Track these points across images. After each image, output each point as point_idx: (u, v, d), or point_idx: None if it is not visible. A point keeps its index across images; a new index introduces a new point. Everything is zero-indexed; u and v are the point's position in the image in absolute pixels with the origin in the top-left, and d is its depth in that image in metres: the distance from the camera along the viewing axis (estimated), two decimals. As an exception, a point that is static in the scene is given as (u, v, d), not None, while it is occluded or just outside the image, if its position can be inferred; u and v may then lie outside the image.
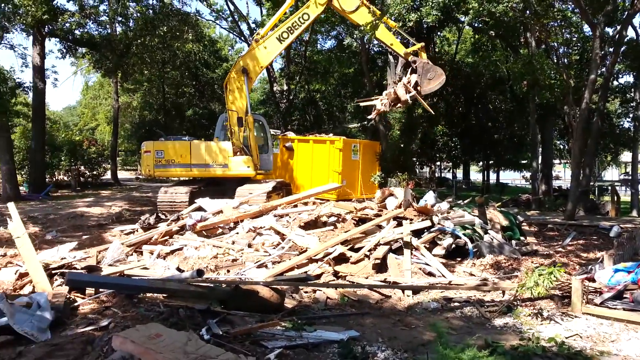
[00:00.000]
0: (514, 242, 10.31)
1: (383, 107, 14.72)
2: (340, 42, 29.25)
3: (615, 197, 18.11)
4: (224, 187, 14.02)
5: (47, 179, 22.28)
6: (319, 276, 7.87)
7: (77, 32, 21.69)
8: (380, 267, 8.13)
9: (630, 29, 18.33)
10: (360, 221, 9.92)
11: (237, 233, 9.82)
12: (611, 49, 18.34)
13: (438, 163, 38.93)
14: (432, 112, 17.76)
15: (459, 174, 41.10)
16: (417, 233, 9.23)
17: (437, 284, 7.53)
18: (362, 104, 17.57)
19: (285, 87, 29.67)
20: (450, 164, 38.04)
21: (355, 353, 4.46)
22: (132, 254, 9.16)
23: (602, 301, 6.13)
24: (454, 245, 9.06)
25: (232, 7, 28.77)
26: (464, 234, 9.28)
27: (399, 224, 9.48)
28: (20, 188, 19.76)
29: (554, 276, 6.10)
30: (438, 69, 14.07)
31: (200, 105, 36.88)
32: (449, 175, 41.65)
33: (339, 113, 35.88)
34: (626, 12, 17.13)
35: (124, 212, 15.27)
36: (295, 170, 17.98)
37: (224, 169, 14.09)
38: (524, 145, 30.14)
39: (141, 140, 20.93)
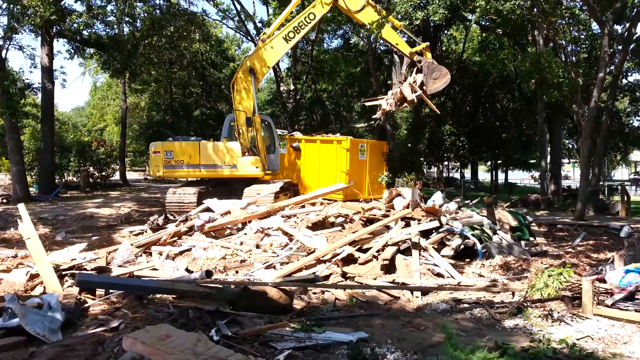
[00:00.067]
0: (523, 242, 10.26)
1: (389, 107, 14.73)
2: (346, 41, 29.27)
3: (626, 197, 17.95)
4: (232, 187, 14.05)
5: (56, 180, 22.41)
6: (327, 277, 7.87)
7: (85, 32, 21.82)
8: (389, 268, 8.11)
9: (639, 26, 18.16)
10: (368, 222, 9.90)
11: (245, 234, 9.84)
12: (620, 47, 18.20)
13: (446, 163, 38.79)
14: (438, 112, 17.75)
15: (467, 173, 40.94)
16: (425, 234, 9.19)
17: (446, 285, 7.51)
18: (367, 104, 17.56)
19: (292, 87, 29.69)
20: (458, 163, 37.89)
21: (365, 354, 4.44)
22: (141, 255, 9.21)
23: (613, 302, 6.08)
24: (462, 246, 9.02)
25: (238, 7, 28.81)
26: (473, 235, 9.24)
27: (407, 225, 9.45)
28: (30, 189, 19.91)
29: (564, 277, 6.05)
30: (443, 69, 14.11)
31: (208, 105, 36.98)
32: (457, 175, 41.48)
33: (346, 113, 35.87)
34: (635, 9, 16.99)
35: (132, 213, 15.37)
36: (303, 171, 17.98)
37: (233, 170, 14.12)
38: (532, 144, 29.98)
39: (149, 141, 21.03)
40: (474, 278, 7.94)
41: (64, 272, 7.38)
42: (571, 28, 19.88)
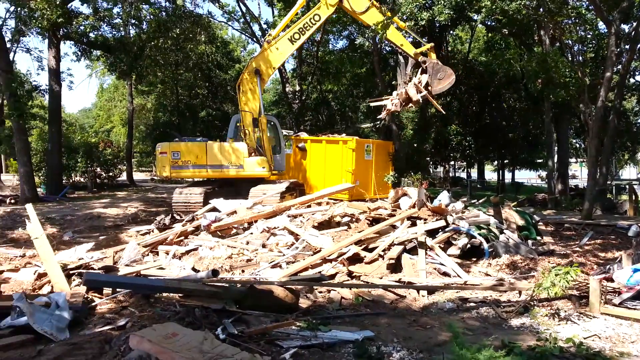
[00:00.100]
0: (530, 241, 10.22)
1: (394, 107, 14.77)
2: (352, 42, 29.24)
3: (633, 196, 17.82)
4: (238, 187, 14.08)
5: (64, 181, 22.54)
6: (333, 276, 7.87)
7: (91, 35, 21.94)
8: (395, 267, 8.11)
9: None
10: (374, 221, 9.90)
11: (252, 233, 9.86)
12: (627, 46, 18.05)
13: (452, 162, 38.69)
14: (443, 112, 17.74)
15: (474, 173, 40.83)
16: (432, 233, 9.18)
17: (452, 284, 7.49)
18: (372, 104, 17.57)
19: (297, 88, 29.72)
20: (465, 163, 37.78)
21: (371, 353, 4.45)
22: (148, 254, 9.25)
23: (621, 301, 6.05)
24: (469, 245, 8.99)
25: (244, 9, 28.89)
26: (479, 234, 9.21)
27: (413, 224, 9.44)
28: (38, 190, 20.03)
29: (571, 276, 6.03)
30: (448, 69, 14.16)
31: (213, 106, 37.10)
32: (464, 175, 41.36)
33: (351, 113, 35.87)
34: (642, 8, 16.89)
35: (139, 213, 15.43)
36: (309, 171, 17.99)
37: (239, 170, 14.15)
38: (539, 144, 29.84)
39: (155, 142, 21.12)
40: (481, 277, 7.92)
41: (71, 272, 7.44)
42: (577, 28, 19.77)
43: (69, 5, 20.07)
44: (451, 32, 26.69)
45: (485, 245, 8.98)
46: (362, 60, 29.65)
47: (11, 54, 24.17)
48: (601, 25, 19.53)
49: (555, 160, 22.54)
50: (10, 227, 12.78)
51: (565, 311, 6.10)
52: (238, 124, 15.08)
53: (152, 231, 11.45)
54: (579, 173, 46.76)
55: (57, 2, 18.18)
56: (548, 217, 14.60)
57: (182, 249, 9.28)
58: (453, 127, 28.41)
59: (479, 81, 28.14)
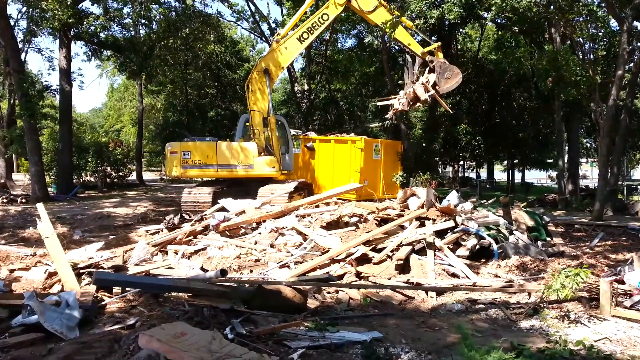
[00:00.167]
0: (540, 243, 10.13)
1: (401, 107, 14.77)
2: (360, 40, 29.17)
3: (645, 196, 17.66)
4: (246, 187, 14.12)
5: (74, 180, 22.73)
6: (341, 277, 7.87)
7: (101, 35, 22.12)
8: (403, 268, 8.08)
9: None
10: (382, 221, 9.88)
11: (260, 233, 9.88)
12: (639, 44, 17.85)
13: (461, 162, 38.51)
14: (451, 112, 17.69)
15: (483, 173, 40.56)
16: (440, 234, 9.14)
17: (461, 285, 7.45)
18: (379, 104, 17.54)
19: (306, 87, 29.73)
20: (474, 163, 37.56)
21: (379, 354, 4.43)
22: (157, 254, 9.30)
23: (632, 304, 5.98)
24: (478, 246, 8.95)
25: (253, 8, 28.96)
26: (489, 235, 9.16)
27: (422, 225, 9.41)
28: (49, 189, 20.20)
29: (581, 278, 5.96)
30: (455, 68, 14.19)
31: (222, 106, 37.19)
32: (473, 175, 41.13)
33: (360, 112, 35.78)
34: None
35: (149, 213, 15.52)
36: (317, 171, 17.99)
37: (249, 170, 14.18)
38: (549, 143, 29.59)
39: (165, 141, 21.21)
40: (490, 278, 7.87)
41: (81, 271, 7.49)
42: (589, 25, 19.58)
43: (80, 5, 20.23)
44: (461, 30, 26.59)
45: (495, 246, 8.93)
46: (371, 59, 29.55)
47: (23, 54, 24.44)
48: (613, 23, 19.33)
49: (566, 160, 22.33)
50: (21, 226, 12.91)
51: (576, 313, 6.05)
52: (247, 124, 15.12)
53: (162, 231, 11.52)
54: (590, 173, 46.33)
55: (68, 3, 18.32)
56: (558, 218, 14.49)
57: (191, 249, 9.32)
58: (462, 127, 28.28)
59: (489, 80, 27.96)
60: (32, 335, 4.72)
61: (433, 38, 20.04)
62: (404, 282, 7.54)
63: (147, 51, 22.03)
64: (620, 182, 22.20)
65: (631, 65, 18.13)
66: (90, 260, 8.23)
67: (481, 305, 6.69)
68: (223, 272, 6.68)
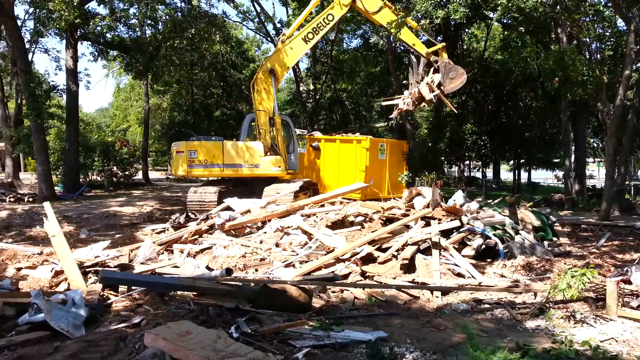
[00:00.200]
0: (546, 243, 10.10)
1: (406, 107, 14.77)
2: (366, 40, 29.16)
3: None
4: (252, 186, 14.14)
5: (81, 179, 22.84)
6: (346, 276, 7.86)
7: (108, 35, 22.21)
8: (408, 267, 8.07)
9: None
10: (388, 221, 9.86)
11: (265, 232, 9.89)
12: (647, 44, 17.73)
13: (467, 162, 38.37)
14: (456, 111, 17.66)
15: (489, 173, 40.44)
16: (446, 233, 9.12)
17: (466, 285, 7.43)
18: (384, 104, 17.53)
19: (311, 87, 29.73)
20: (480, 163, 37.44)
21: (384, 354, 4.43)
22: (163, 253, 9.33)
23: (639, 304, 5.94)
24: (484, 246, 8.92)
25: (258, 8, 28.99)
26: (495, 235, 9.13)
27: (427, 224, 9.39)
28: (55, 188, 20.31)
29: (587, 278, 5.93)
30: (459, 68, 14.23)
31: (228, 105, 37.29)
32: (479, 175, 41.00)
33: (365, 112, 35.76)
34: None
35: (155, 212, 15.59)
36: (322, 170, 17.99)
37: (255, 169, 14.20)
38: (556, 143, 29.46)
39: (171, 141, 21.27)
40: (496, 278, 7.85)
41: (87, 269, 7.54)
42: (596, 25, 19.47)
43: (87, 6, 20.34)
44: (467, 30, 26.47)
45: (501, 246, 8.90)
46: (377, 59, 29.54)
47: (30, 55, 24.62)
48: (620, 23, 19.20)
49: (573, 159, 22.20)
50: (28, 224, 12.99)
51: (582, 314, 6.02)
52: (253, 123, 15.14)
53: (167, 230, 11.55)
54: (597, 173, 46.09)
55: (75, 3, 18.42)
56: (565, 218, 14.42)
57: (197, 248, 9.34)
58: (468, 126, 28.18)
59: (495, 80, 27.86)
60: (39, 334, 4.76)
61: (439, 38, 19.98)
62: (409, 282, 7.53)
63: (153, 51, 22.12)
64: (627, 182, 22.04)
65: (638, 64, 18.04)
66: (97, 259, 8.28)
67: (487, 305, 6.67)
68: (228, 271, 6.70)
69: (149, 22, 23.30)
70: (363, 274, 7.92)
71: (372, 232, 9.16)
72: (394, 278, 7.72)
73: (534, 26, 21.03)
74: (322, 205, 11.40)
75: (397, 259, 8.17)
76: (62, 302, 5.28)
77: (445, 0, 18.80)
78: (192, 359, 3.69)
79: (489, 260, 8.79)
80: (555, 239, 10.73)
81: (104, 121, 62.24)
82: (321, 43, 27.17)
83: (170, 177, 32.24)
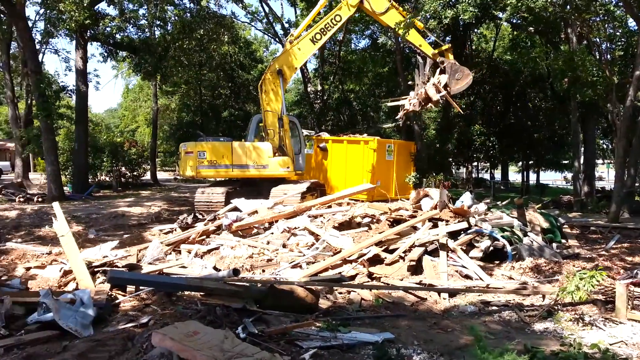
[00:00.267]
0: (554, 245, 10.03)
1: (412, 107, 14.77)
2: (374, 41, 29.11)
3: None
4: (259, 187, 14.16)
5: (89, 180, 22.99)
6: (353, 277, 7.86)
7: (117, 36, 22.35)
8: (416, 269, 8.05)
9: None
10: (395, 222, 9.85)
11: (272, 233, 9.91)
12: (658, 44, 17.54)
13: (475, 163, 38.15)
14: (462, 112, 17.62)
15: (497, 174, 40.18)
16: (454, 235, 9.08)
17: (474, 287, 7.40)
18: (390, 104, 17.51)
19: (319, 88, 29.74)
20: (488, 164, 37.22)
21: (391, 355, 4.41)
22: (170, 253, 9.37)
23: (649, 307, 5.89)
24: (491, 248, 8.88)
25: (266, 9, 29.06)
26: (503, 236, 9.08)
27: (435, 226, 9.36)
28: (64, 188, 20.45)
29: (596, 280, 5.89)
30: (465, 69, 14.28)
31: (236, 106, 37.38)
32: (487, 176, 40.78)
33: (373, 113, 35.68)
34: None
35: (163, 212, 15.66)
36: (330, 171, 17.99)
37: (264, 170, 14.23)
38: (565, 144, 29.23)
39: (179, 142, 21.36)
40: (504, 280, 7.81)
41: (96, 269, 7.58)
42: (606, 25, 19.30)
43: (96, 7, 20.48)
44: (475, 30, 26.36)
45: (509, 248, 8.85)
46: (385, 59, 29.48)
47: (40, 56, 24.82)
48: (631, 23, 19.01)
49: (582, 161, 22.01)
50: (37, 224, 13.09)
51: (590, 316, 5.97)
52: (260, 124, 15.17)
53: (175, 230, 11.60)
54: (606, 175, 45.69)
55: (85, 4, 18.55)
56: (573, 220, 14.32)
57: (204, 248, 9.38)
58: (476, 127, 28.01)
59: (504, 80, 27.69)
60: (47, 333, 4.80)
61: (447, 38, 19.94)
62: (416, 283, 7.51)
63: (162, 52, 22.23)
64: (637, 184, 21.82)
65: (649, 65, 17.83)
66: (105, 259, 8.33)
67: (494, 307, 6.64)
68: (235, 272, 6.71)
69: (158, 22, 23.41)
70: (370, 276, 7.91)
71: (379, 233, 9.15)
72: (401, 279, 7.70)
73: (544, 26, 20.88)
74: (329, 206, 11.40)
75: (404, 261, 8.16)
76: (70, 301, 5.32)
77: (454, 0, 18.73)
78: (199, 359, 3.70)
79: (497, 262, 8.75)
80: (563, 241, 10.65)
81: (112, 122, 62.67)
82: (329, 43, 27.19)
83: (178, 177, 32.35)
